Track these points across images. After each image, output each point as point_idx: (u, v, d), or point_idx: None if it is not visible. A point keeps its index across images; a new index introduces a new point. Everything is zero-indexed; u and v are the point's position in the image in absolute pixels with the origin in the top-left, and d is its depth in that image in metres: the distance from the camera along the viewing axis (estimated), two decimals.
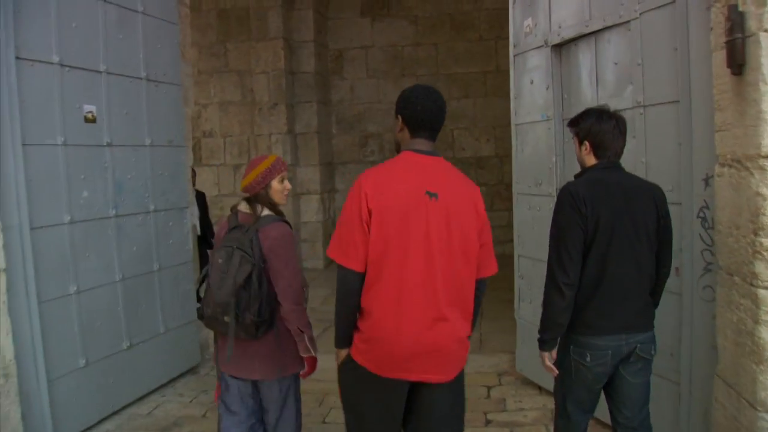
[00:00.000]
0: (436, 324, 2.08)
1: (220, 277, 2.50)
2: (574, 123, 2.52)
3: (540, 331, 2.45)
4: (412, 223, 2.06)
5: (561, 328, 2.39)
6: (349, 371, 2.23)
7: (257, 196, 2.62)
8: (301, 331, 2.58)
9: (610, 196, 2.34)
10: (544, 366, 2.48)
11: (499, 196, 9.35)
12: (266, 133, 8.88)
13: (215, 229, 2.87)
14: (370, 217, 2.07)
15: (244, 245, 2.48)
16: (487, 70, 9.50)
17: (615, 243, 2.32)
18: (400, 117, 2.20)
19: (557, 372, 2.46)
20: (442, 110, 2.19)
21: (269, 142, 8.84)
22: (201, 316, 2.64)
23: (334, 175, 10.07)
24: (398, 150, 2.26)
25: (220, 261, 2.52)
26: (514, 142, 4.27)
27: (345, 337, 2.22)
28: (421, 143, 2.18)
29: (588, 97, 3.58)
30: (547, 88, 3.86)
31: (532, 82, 4.04)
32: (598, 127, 2.42)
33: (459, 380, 2.25)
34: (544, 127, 3.92)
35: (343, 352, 2.24)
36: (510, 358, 4.73)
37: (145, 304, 4.27)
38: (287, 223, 2.65)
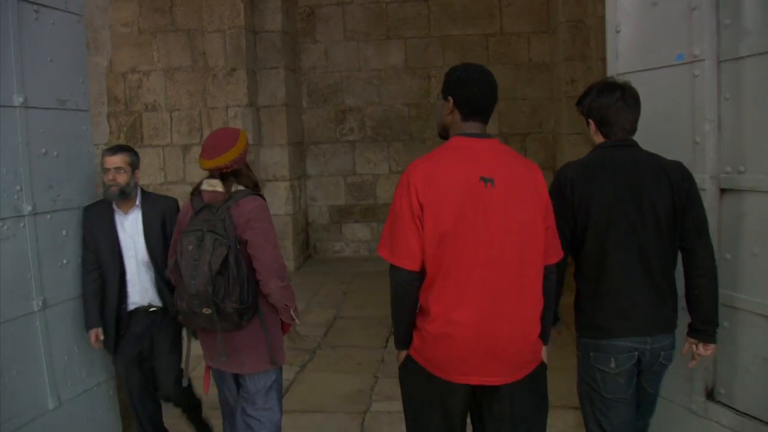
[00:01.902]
0: (500, 322, 1.96)
1: (192, 266, 2.32)
2: (579, 101, 2.38)
3: None
4: (469, 213, 1.94)
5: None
6: (408, 371, 2.15)
7: (237, 172, 2.48)
8: (287, 305, 2.52)
9: (607, 177, 2.20)
10: None
11: None
12: (222, 105, 7.32)
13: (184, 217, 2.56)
14: (422, 211, 1.95)
15: (216, 226, 2.34)
16: (489, 32, 8.18)
17: (613, 230, 2.17)
18: (450, 99, 2.08)
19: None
20: (496, 91, 2.09)
21: (226, 116, 7.28)
22: (174, 315, 2.45)
23: (306, 157, 8.52)
24: (444, 133, 2.16)
25: (190, 248, 2.34)
26: None
27: (404, 338, 2.13)
28: (473, 126, 2.08)
29: None
30: (692, 10, 2.36)
31: (655, 4, 2.52)
32: (598, 102, 2.28)
33: (535, 378, 2.08)
34: (682, 74, 2.48)
35: (403, 353, 2.16)
36: (576, 416, 3.24)
37: (19, 367, 2.61)
38: (262, 197, 2.52)
